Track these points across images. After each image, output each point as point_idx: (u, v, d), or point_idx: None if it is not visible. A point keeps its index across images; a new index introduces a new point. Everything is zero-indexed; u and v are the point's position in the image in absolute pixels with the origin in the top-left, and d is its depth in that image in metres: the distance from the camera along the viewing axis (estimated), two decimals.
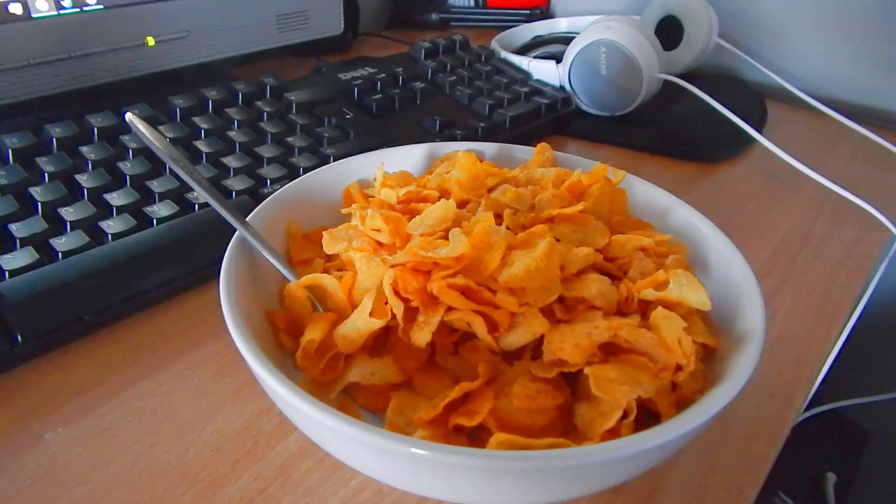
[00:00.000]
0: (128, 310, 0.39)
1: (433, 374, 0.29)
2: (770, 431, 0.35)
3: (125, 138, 0.48)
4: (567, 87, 0.66)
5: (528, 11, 0.86)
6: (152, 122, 0.50)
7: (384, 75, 0.60)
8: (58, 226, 0.41)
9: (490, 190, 0.36)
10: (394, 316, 0.28)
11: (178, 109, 0.51)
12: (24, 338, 0.35)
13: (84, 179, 0.43)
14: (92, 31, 0.53)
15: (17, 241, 0.39)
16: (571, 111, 0.64)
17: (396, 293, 0.27)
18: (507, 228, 0.31)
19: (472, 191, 0.35)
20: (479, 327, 0.27)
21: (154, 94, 0.53)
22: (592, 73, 0.64)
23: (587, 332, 0.26)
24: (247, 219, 0.33)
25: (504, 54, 0.69)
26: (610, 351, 0.27)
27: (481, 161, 0.42)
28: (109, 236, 0.40)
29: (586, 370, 0.25)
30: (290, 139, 0.50)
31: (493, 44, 0.72)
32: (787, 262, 0.49)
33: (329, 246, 0.31)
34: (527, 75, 0.67)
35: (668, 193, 0.38)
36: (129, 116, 0.33)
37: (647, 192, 0.39)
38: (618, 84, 0.63)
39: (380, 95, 0.58)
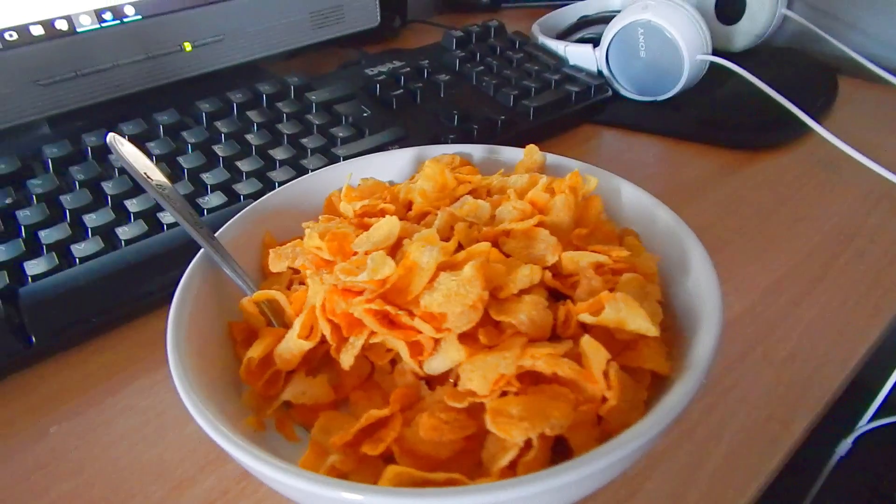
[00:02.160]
0: (134, 311, 0.42)
1: (368, 394, 0.29)
2: (757, 461, 0.33)
3: (151, 145, 0.51)
4: (605, 71, 0.62)
5: None
6: (177, 127, 0.52)
7: (408, 69, 0.60)
8: (80, 232, 0.44)
9: (460, 198, 0.36)
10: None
11: (203, 114, 0.54)
12: (38, 338, 0.38)
13: (109, 187, 0.47)
14: (132, 40, 0.57)
15: (44, 247, 0.43)
16: (607, 98, 0.61)
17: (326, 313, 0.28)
18: (459, 244, 0.31)
19: (437, 201, 0.35)
20: (403, 351, 0.27)
21: (192, 97, 0.55)
22: (631, 56, 0.60)
23: (496, 362, 0.25)
24: (221, 230, 0.35)
25: (541, 39, 0.67)
26: (536, 379, 0.26)
27: (469, 164, 0.41)
28: (123, 242, 0.43)
29: (487, 404, 0.24)
30: (304, 140, 0.52)
31: (534, 28, 0.69)
32: (825, 263, 0.45)
33: (273, 264, 0.32)
34: (563, 61, 0.64)
35: (655, 199, 0.36)
36: (110, 138, 0.35)
37: (635, 198, 0.36)
38: (658, 67, 0.59)
39: (401, 90, 0.57)
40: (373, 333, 0.27)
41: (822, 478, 0.67)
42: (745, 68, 0.57)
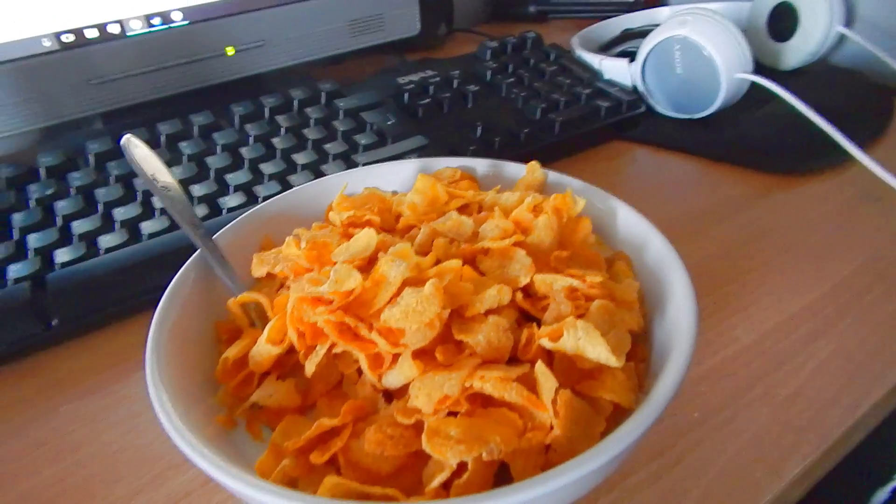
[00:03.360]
0: (148, 303, 0.44)
1: (334, 402, 0.29)
2: None
3: (183, 144, 0.53)
4: (640, 87, 0.61)
5: (631, 0, 0.80)
6: (210, 128, 0.55)
7: (438, 78, 0.61)
8: (108, 224, 0.47)
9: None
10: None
11: (236, 116, 0.56)
12: (59, 322, 0.41)
13: (140, 183, 0.49)
14: (178, 44, 0.60)
15: (75, 237, 0.46)
16: (640, 114, 0.59)
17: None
18: (438, 260, 0.31)
19: (424, 215, 0.35)
20: (363, 363, 0.27)
21: (231, 100, 0.58)
22: (667, 72, 0.59)
23: (442, 382, 0.25)
24: (220, 232, 0.36)
25: (578, 52, 0.66)
26: (489, 402, 0.26)
27: (470, 179, 0.41)
28: (145, 235, 0.46)
29: (427, 423, 0.24)
30: (327, 146, 0.53)
31: (573, 40, 0.68)
32: (849, 300, 0.42)
33: (255, 268, 0.33)
34: (597, 75, 0.63)
35: (649, 224, 0.35)
36: (124, 140, 0.37)
37: (630, 221, 0.35)
38: (694, 84, 0.58)
39: (428, 100, 0.58)
40: (336, 343, 0.27)
41: None
42: (790, 89, 0.54)
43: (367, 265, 0.30)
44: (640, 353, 0.30)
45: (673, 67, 0.58)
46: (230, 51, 0.62)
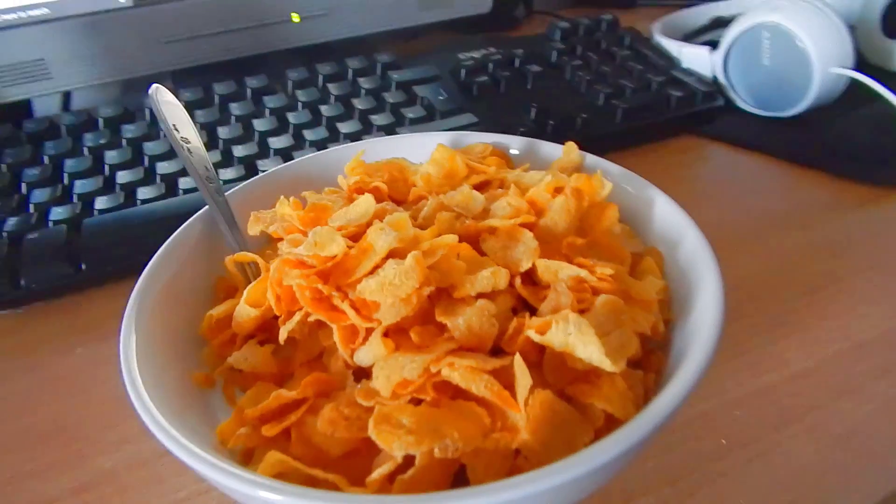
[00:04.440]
0: None
1: (310, 372, 0.27)
2: None
3: (233, 105, 0.53)
4: (721, 78, 0.55)
5: None
6: (263, 92, 0.55)
7: (499, 56, 0.58)
8: (150, 176, 0.47)
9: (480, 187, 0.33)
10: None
11: (290, 82, 0.55)
12: (88, 266, 0.42)
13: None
14: (246, 7, 0.60)
15: (119, 185, 0.47)
16: (717, 107, 0.54)
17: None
18: (439, 235, 0.28)
19: (439, 187, 0.32)
20: (336, 336, 0.25)
21: (291, 65, 0.57)
22: (753, 63, 0.53)
23: (404, 364, 0.22)
24: (234, 189, 0.36)
25: (657, 38, 0.61)
26: (458, 394, 0.23)
27: (502, 156, 0.38)
28: (182, 191, 0.46)
29: (378, 408, 0.21)
30: (374, 117, 0.51)
31: (654, 26, 0.63)
32: None
33: (251, 226, 0.31)
34: (675, 63, 0.58)
35: (687, 219, 0.30)
36: (152, 89, 0.37)
37: (667, 214, 0.31)
38: (783, 78, 0.52)
39: (485, 78, 0.55)
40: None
41: None
42: (893, 90, 0.48)
43: (359, 232, 0.28)
44: (655, 362, 0.27)
45: (759, 58, 0.52)
46: (296, 17, 0.62)
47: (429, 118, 0.51)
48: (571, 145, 0.36)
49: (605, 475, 0.23)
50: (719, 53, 0.55)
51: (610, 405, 0.23)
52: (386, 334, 0.25)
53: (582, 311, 0.25)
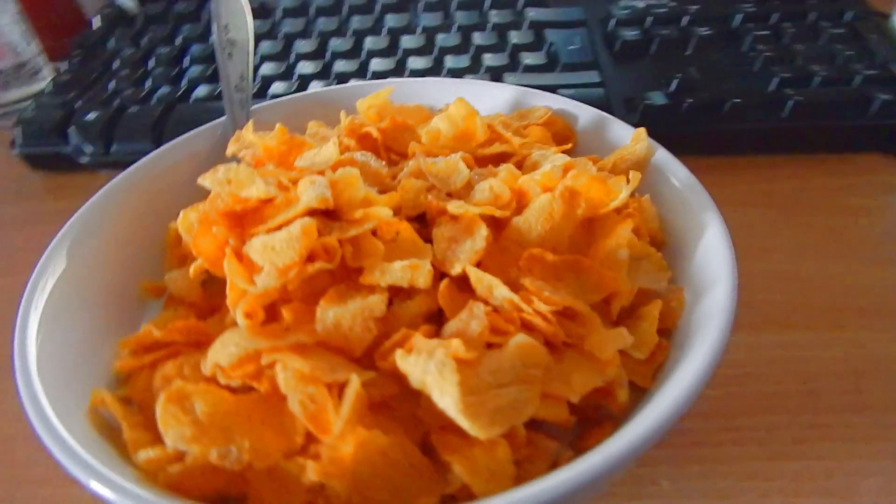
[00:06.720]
0: None
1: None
2: None
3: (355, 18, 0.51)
4: None
5: None
6: (394, 9, 0.51)
7: (665, 10, 0.47)
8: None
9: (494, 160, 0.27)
10: None
11: (421, 2, 0.52)
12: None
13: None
14: None
15: None
16: None
17: None
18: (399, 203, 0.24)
19: (444, 148, 0.27)
20: (227, 288, 0.22)
21: None
22: None
23: (230, 342, 0.18)
24: (261, 104, 0.33)
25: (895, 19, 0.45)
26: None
27: (563, 126, 0.31)
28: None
29: (175, 383, 0.18)
30: (487, 55, 0.45)
31: None
32: None
33: (229, 148, 0.29)
34: None
35: (729, 264, 0.22)
36: None
37: (710, 250, 0.23)
38: None
39: (636, 32, 0.46)
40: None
41: None
42: None
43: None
44: (594, 438, 0.20)
45: None
46: None
47: (545, 68, 0.44)
48: (641, 132, 0.28)
49: None
50: None
51: (470, 474, 0.17)
52: (289, 299, 0.21)
53: (489, 346, 0.19)
